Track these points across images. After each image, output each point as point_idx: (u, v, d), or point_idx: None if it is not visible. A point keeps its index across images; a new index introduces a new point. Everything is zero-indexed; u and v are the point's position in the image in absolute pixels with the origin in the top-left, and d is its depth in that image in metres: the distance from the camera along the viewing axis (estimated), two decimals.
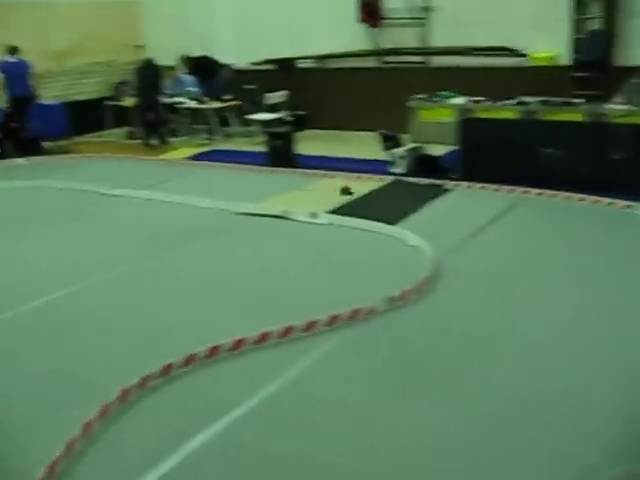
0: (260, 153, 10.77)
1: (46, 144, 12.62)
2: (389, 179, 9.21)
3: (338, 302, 5.32)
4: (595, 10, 10.57)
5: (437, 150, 9.70)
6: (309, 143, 11.34)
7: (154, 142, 12.62)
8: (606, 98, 9.65)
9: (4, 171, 11.26)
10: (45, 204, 9.13)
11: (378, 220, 7.25)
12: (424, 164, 9.33)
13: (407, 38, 12.44)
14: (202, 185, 9.61)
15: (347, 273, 6.18)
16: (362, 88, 12.64)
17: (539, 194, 8.23)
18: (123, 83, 14.37)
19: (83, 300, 5.84)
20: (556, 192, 8.12)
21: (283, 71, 13.68)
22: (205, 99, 12.65)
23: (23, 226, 8.13)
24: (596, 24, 10.64)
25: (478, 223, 7.25)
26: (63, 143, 12.72)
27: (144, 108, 12.69)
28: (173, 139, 12.89)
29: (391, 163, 9.49)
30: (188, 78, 13.22)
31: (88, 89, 14.55)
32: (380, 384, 4.29)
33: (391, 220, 7.28)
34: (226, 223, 7.80)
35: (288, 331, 4.87)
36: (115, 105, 13.93)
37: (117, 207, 8.79)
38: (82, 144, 13.09)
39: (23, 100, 12.16)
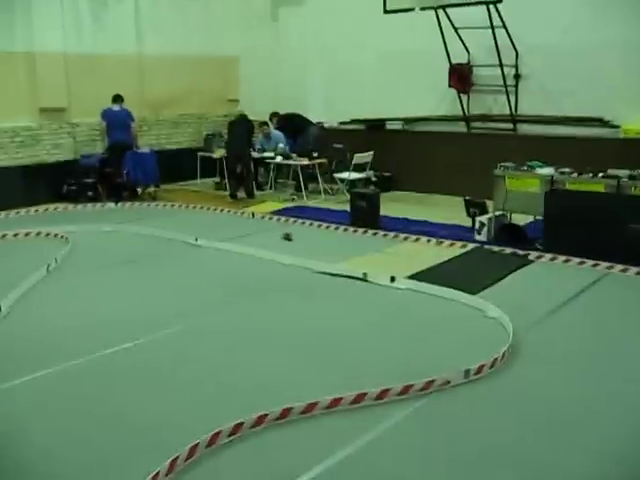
0: (344, 212, 10.88)
1: (137, 190, 13.08)
2: (471, 246, 9.14)
3: (412, 370, 5.30)
4: None
5: (522, 219, 9.59)
6: (393, 204, 11.40)
7: (241, 194, 12.89)
8: None
9: (95, 214, 11.70)
10: (130, 250, 9.42)
11: (458, 288, 7.16)
12: (508, 233, 9.22)
13: (496, 105, 12.47)
14: (285, 241, 9.72)
15: (423, 341, 6.11)
16: (449, 152, 12.66)
17: (624, 270, 8.01)
18: (214, 135, 14.80)
19: (157, 350, 5.94)
20: None
21: (371, 131, 13.85)
22: (293, 155, 12.88)
23: (107, 270, 8.39)
24: None
25: (560, 298, 7.08)
26: (153, 190, 13.13)
27: (233, 160, 13.03)
28: (259, 193, 13.15)
29: (474, 230, 9.42)
30: (278, 134, 13.50)
31: (180, 139, 15.07)
32: (443, 462, 4.18)
33: (471, 289, 7.19)
34: (306, 281, 7.86)
35: (360, 398, 4.83)
36: (204, 156, 14.33)
37: (200, 257, 8.98)
38: (171, 192, 13.50)
39: (121, 147, 12.66)
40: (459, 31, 11.97)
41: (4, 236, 9.91)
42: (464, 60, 12.46)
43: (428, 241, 9.50)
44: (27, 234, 10.05)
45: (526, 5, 11.45)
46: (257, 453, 4.28)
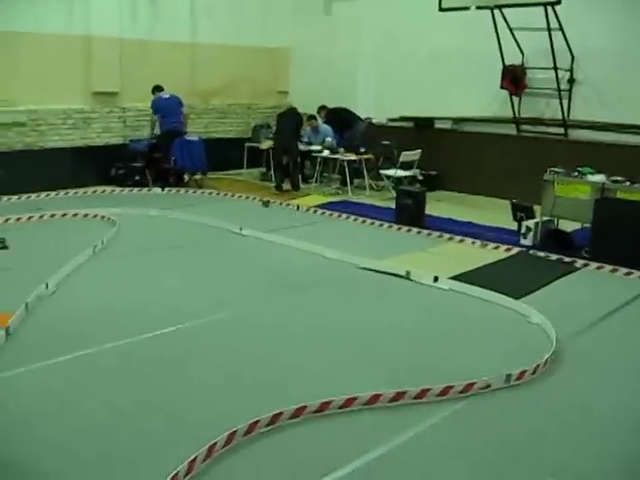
0: (389, 209, 10.85)
1: (184, 177, 13.19)
2: (516, 250, 9.05)
3: (452, 372, 5.28)
4: None
5: (569, 226, 9.46)
6: (438, 204, 11.33)
7: (286, 186, 12.92)
8: None
9: (141, 198, 11.83)
10: (174, 235, 9.52)
11: (502, 292, 7.10)
12: (555, 239, 9.10)
13: (548, 109, 12.31)
14: (328, 234, 9.75)
15: (464, 342, 6.07)
16: (497, 154, 12.54)
17: None
18: (261, 126, 14.84)
19: (198, 337, 5.99)
20: None
21: (419, 129, 13.77)
22: (340, 150, 12.86)
23: (151, 254, 8.49)
24: None
25: (606, 308, 6.97)
26: (199, 177, 13.22)
27: (280, 152, 13.05)
28: (305, 185, 13.17)
29: (520, 234, 9.33)
30: (326, 128, 13.49)
31: (227, 128, 15.15)
32: (480, 465, 4.15)
33: (515, 293, 7.11)
34: (349, 276, 7.86)
35: (399, 396, 4.82)
36: (252, 146, 14.40)
37: (244, 247, 9.03)
38: (217, 180, 13.59)
39: (172, 134, 12.77)
40: (514, 32, 11.83)
41: (53, 216, 10.08)
42: (518, 61, 12.29)
43: (473, 242, 9.44)
44: (75, 215, 10.21)
45: (585, 8, 11.25)
46: (294, 444, 4.29)
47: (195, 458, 3.89)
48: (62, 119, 12.39)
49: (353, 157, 12.66)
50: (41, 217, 10.01)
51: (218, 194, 12.48)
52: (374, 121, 14.20)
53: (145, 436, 4.32)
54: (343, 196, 12.44)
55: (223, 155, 14.10)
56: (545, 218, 9.30)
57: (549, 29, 11.07)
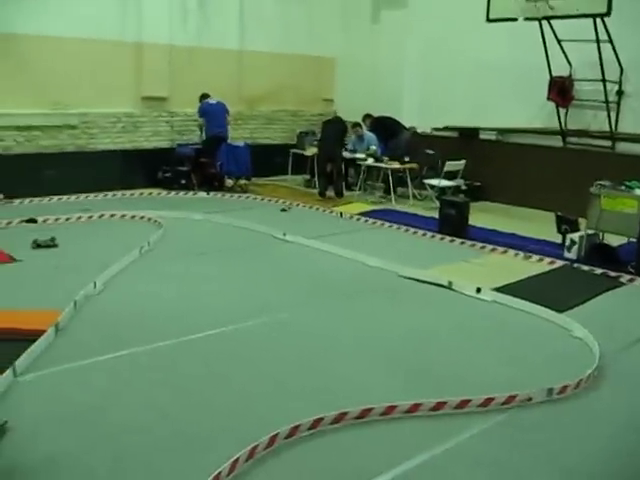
0: (432, 218, 10.85)
1: (228, 182, 13.35)
2: (560, 263, 8.99)
3: (493, 383, 5.27)
4: None
5: (615, 240, 9.36)
6: (482, 215, 11.30)
7: (330, 193, 13.00)
8: None
9: (187, 202, 12.00)
10: (218, 239, 9.66)
11: (545, 305, 7.06)
12: (600, 253, 9.00)
13: (595, 121, 12.20)
14: (371, 242, 9.78)
15: (506, 355, 6.05)
16: (542, 166, 12.45)
17: None
18: (307, 133, 14.96)
19: (241, 340, 6.06)
20: None
21: (464, 139, 13.74)
22: (384, 158, 12.88)
23: (195, 257, 8.61)
24: None
25: None
26: (244, 182, 13.37)
27: (325, 159, 13.14)
28: (348, 193, 13.23)
29: (564, 247, 9.26)
30: (371, 136, 13.53)
31: (273, 134, 15.30)
32: (518, 478, 4.15)
33: (558, 307, 7.07)
34: (391, 285, 7.88)
35: (440, 406, 4.83)
36: (297, 153, 14.50)
37: (287, 253, 9.11)
38: (262, 186, 13.71)
39: (218, 139, 12.99)
40: (562, 43, 11.75)
41: (101, 216, 10.29)
42: (565, 73, 12.21)
43: (516, 254, 9.38)
44: (122, 216, 10.41)
45: (635, 20, 11.12)
46: (335, 450, 4.33)
47: (237, 459, 3.96)
48: (112, 122, 12.66)
49: (397, 166, 12.68)
50: (90, 217, 10.24)
51: (262, 199, 12.59)
52: (418, 130, 14.21)
53: (187, 435, 4.39)
54: (386, 204, 12.46)
55: (268, 161, 14.27)
56: (590, 231, 9.22)
57: (598, 41, 10.97)
